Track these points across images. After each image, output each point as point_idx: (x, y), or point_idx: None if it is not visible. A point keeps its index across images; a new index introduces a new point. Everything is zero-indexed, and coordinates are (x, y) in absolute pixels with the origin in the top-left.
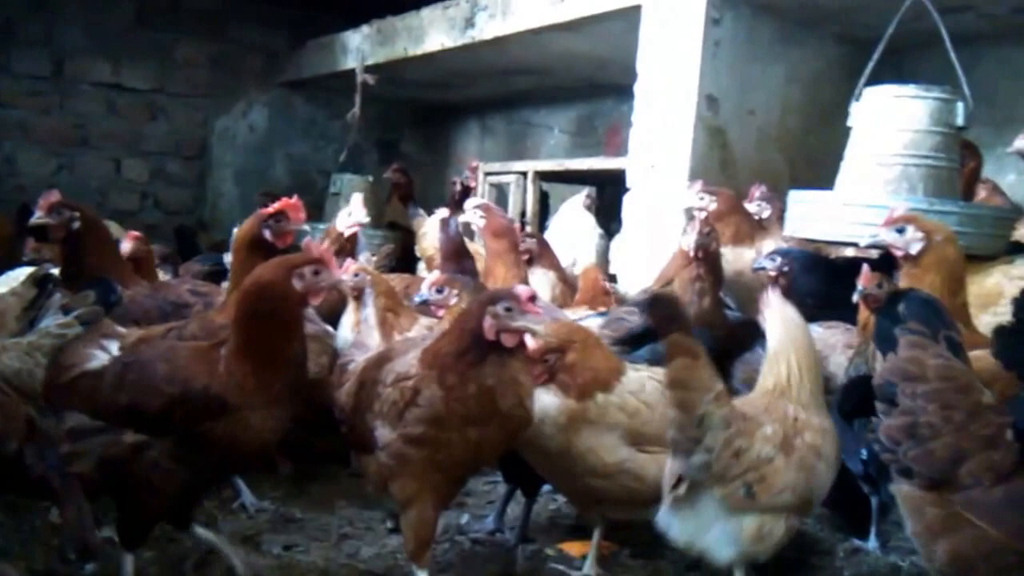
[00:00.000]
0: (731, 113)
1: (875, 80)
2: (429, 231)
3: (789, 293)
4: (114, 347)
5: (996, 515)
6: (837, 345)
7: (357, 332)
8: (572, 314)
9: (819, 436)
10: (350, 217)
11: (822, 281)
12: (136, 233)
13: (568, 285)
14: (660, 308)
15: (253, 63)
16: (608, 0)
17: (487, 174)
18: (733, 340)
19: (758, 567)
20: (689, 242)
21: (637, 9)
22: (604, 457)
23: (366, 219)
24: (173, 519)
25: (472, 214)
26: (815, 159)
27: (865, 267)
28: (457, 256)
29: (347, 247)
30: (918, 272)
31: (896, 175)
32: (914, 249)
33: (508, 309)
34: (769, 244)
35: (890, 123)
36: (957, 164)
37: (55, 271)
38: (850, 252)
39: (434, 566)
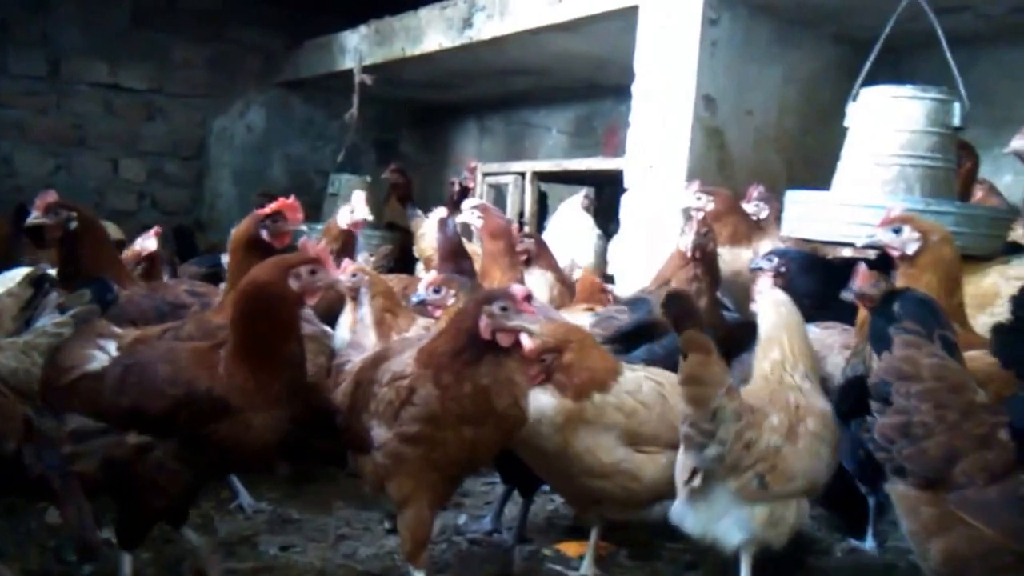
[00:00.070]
0: (729, 113)
1: (872, 80)
2: (427, 232)
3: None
4: (112, 347)
5: (990, 514)
6: (834, 346)
7: (354, 332)
8: (569, 314)
9: (820, 421)
10: (352, 214)
11: (819, 281)
12: (158, 229)
13: (566, 286)
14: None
15: (251, 63)
16: (605, 0)
17: (485, 174)
18: (731, 340)
19: (757, 567)
20: (686, 242)
21: (635, 9)
22: (601, 457)
23: (370, 216)
24: (170, 518)
25: (470, 214)
26: (813, 159)
27: (861, 265)
28: (455, 256)
29: (346, 247)
30: (914, 272)
31: (893, 175)
32: (910, 249)
33: (504, 309)
34: (767, 244)
35: (887, 123)
36: (954, 165)
37: (52, 271)
38: (847, 252)
39: (431, 566)
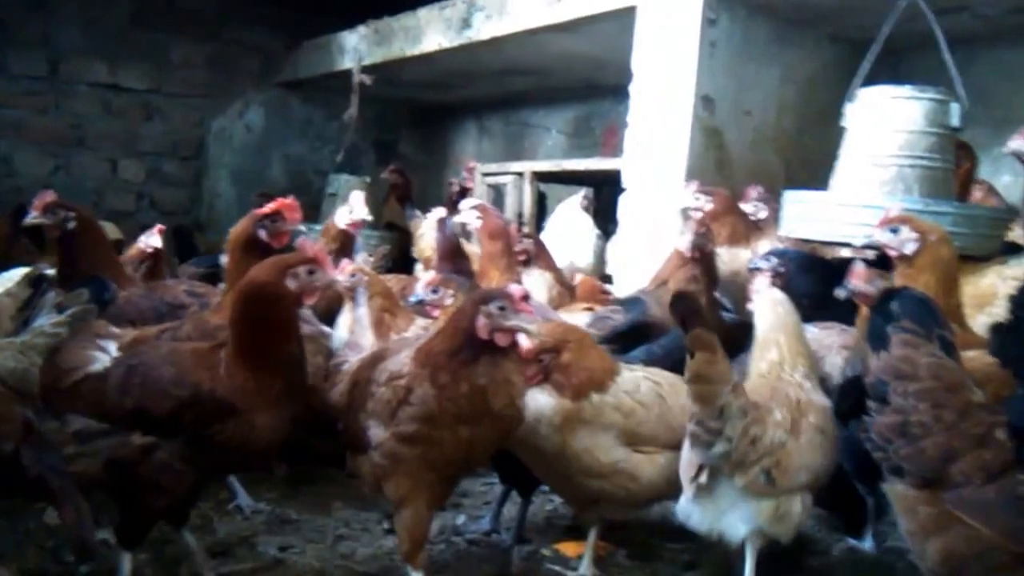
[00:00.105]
0: (727, 114)
1: (871, 81)
2: (426, 232)
3: (785, 293)
4: (112, 348)
5: (988, 514)
6: (833, 346)
7: (351, 333)
8: (567, 314)
9: (821, 415)
10: (351, 215)
11: (818, 282)
12: (162, 227)
13: (565, 286)
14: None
15: (249, 63)
16: (603, 1)
17: (484, 175)
18: (730, 341)
19: (756, 567)
20: (685, 242)
21: (633, 10)
22: (599, 457)
23: (368, 217)
24: (172, 518)
25: (468, 215)
26: (811, 159)
27: (858, 263)
28: (452, 256)
29: (344, 247)
30: (912, 272)
31: (891, 176)
32: (908, 249)
33: (502, 308)
34: (765, 244)
35: (885, 124)
36: (952, 165)
37: (50, 271)
38: (846, 252)
39: (430, 567)
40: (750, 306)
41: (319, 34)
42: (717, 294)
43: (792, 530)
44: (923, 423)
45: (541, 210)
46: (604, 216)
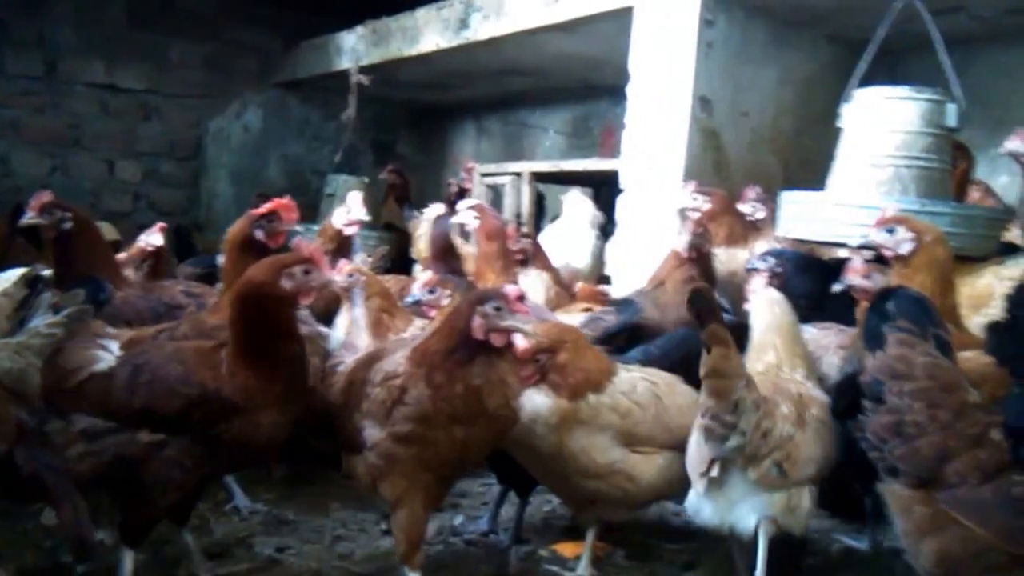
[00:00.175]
0: (725, 115)
1: (869, 81)
2: (425, 232)
3: (781, 293)
4: (114, 347)
5: (983, 514)
6: (830, 346)
7: (347, 333)
8: (565, 315)
9: (822, 409)
10: (349, 215)
11: (815, 282)
12: (163, 225)
13: (562, 287)
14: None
15: (247, 64)
16: (601, 1)
17: (483, 175)
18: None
19: (753, 567)
20: (682, 243)
21: (630, 10)
22: (596, 458)
23: (366, 217)
24: (175, 516)
25: (466, 215)
26: (809, 160)
27: (855, 258)
28: (445, 255)
29: (342, 247)
30: (908, 272)
31: (888, 176)
32: (904, 250)
33: (497, 309)
34: (763, 245)
35: (882, 124)
36: (948, 166)
37: (47, 272)
38: (843, 253)
39: (428, 567)
40: (747, 306)
41: (317, 34)
42: (715, 294)
43: (803, 522)
44: (918, 423)
45: (539, 210)
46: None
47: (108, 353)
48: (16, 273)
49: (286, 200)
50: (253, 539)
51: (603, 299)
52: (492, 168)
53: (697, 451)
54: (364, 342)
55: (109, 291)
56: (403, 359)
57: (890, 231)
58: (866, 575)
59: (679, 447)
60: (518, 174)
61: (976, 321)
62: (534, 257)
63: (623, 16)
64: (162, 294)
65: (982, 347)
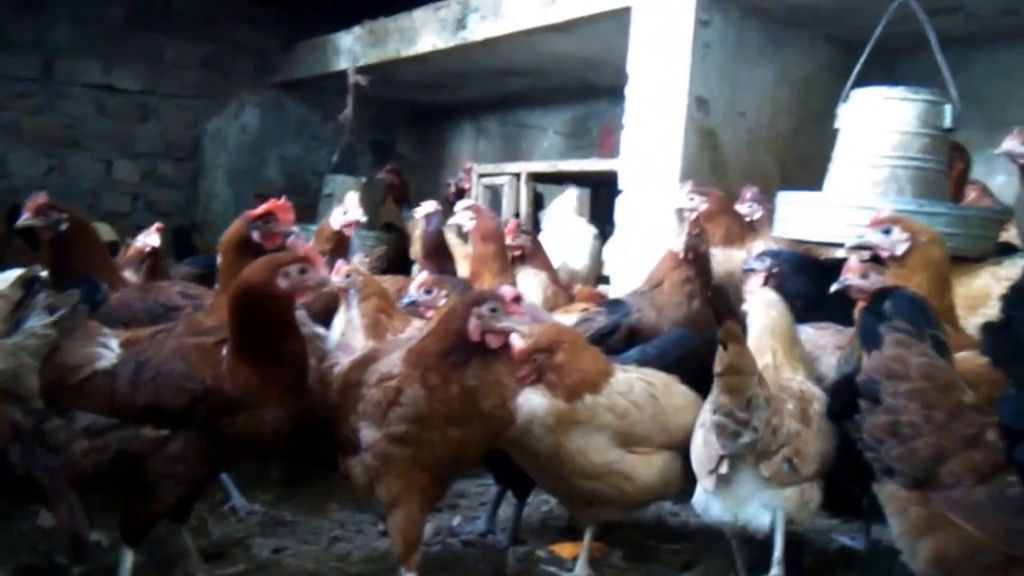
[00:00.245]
0: (722, 115)
1: (866, 81)
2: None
3: (779, 294)
4: (115, 344)
5: (978, 515)
6: (828, 346)
7: (343, 334)
8: (563, 315)
9: (823, 405)
10: (345, 215)
11: (812, 282)
12: (160, 225)
13: (560, 286)
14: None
15: (245, 64)
16: (598, 2)
17: (481, 175)
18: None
19: (752, 567)
20: (679, 244)
21: (627, 11)
22: (593, 458)
23: (363, 218)
24: (176, 513)
25: (462, 215)
26: (806, 160)
27: (852, 258)
28: (436, 254)
29: (339, 248)
30: (904, 273)
31: (884, 176)
32: (899, 250)
33: (493, 310)
34: (760, 245)
35: (878, 125)
36: (945, 166)
37: (44, 273)
38: (840, 253)
39: (425, 568)
40: (744, 307)
41: (314, 35)
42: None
43: (813, 516)
44: (914, 423)
45: (538, 211)
46: (601, 217)
47: (109, 351)
48: (13, 274)
49: (282, 201)
50: (250, 540)
51: (602, 301)
52: (490, 168)
53: (705, 449)
54: (360, 343)
55: (104, 292)
56: (398, 360)
57: (885, 231)
58: (863, 575)
59: (676, 447)
60: (516, 174)
61: (973, 322)
62: (532, 255)
63: (621, 16)
64: (159, 295)
65: (978, 348)
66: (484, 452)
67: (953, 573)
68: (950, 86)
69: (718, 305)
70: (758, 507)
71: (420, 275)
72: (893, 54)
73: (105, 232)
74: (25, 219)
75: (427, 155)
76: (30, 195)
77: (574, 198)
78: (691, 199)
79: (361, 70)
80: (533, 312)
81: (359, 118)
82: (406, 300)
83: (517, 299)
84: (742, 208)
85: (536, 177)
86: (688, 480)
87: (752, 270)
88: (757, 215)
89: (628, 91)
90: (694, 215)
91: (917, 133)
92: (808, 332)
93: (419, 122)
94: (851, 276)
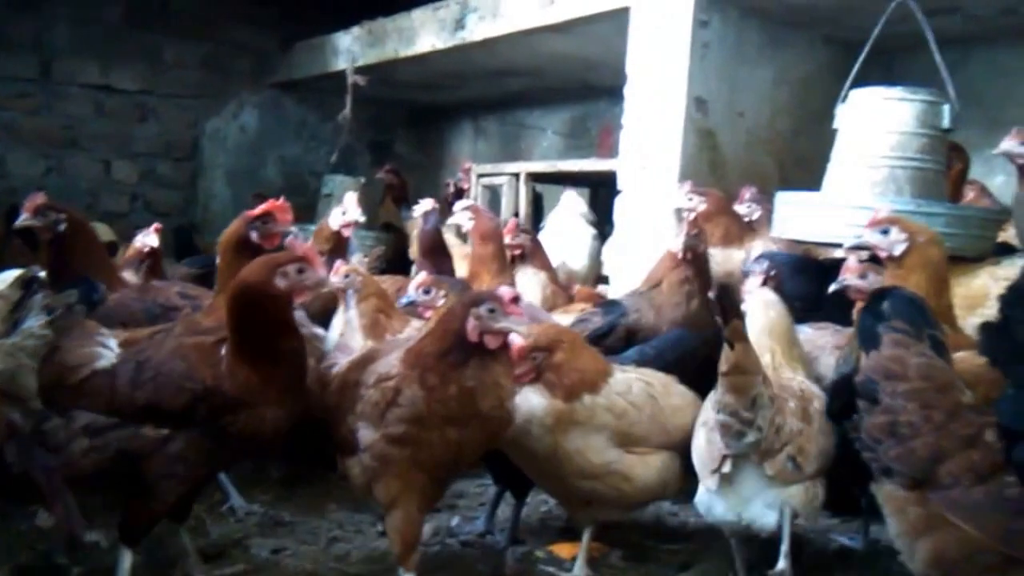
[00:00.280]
0: (721, 115)
1: (864, 81)
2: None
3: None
4: (114, 344)
5: (976, 516)
6: (827, 346)
7: (341, 335)
8: (563, 315)
9: (823, 403)
10: (344, 216)
11: (811, 283)
12: (159, 225)
13: (559, 286)
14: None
15: (243, 64)
16: (597, 2)
17: (480, 175)
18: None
19: (750, 568)
20: (677, 244)
21: (626, 11)
22: (591, 458)
23: (361, 218)
24: (176, 512)
25: (461, 216)
26: (805, 160)
27: (851, 258)
28: (433, 253)
29: (338, 248)
30: (902, 273)
31: (883, 177)
32: (897, 250)
33: (491, 311)
34: (759, 245)
35: (876, 125)
36: (943, 166)
37: (42, 273)
38: (838, 253)
39: (424, 568)
40: (743, 308)
41: (313, 35)
42: (711, 295)
43: (817, 513)
44: (912, 423)
45: (537, 211)
46: (600, 217)
47: (108, 350)
48: (11, 275)
49: (281, 201)
50: (249, 540)
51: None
52: (489, 168)
53: (708, 448)
54: (358, 343)
55: (102, 292)
56: (396, 360)
57: (884, 232)
58: (861, 574)
59: (675, 447)
60: (516, 175)
61: (972, 322)
62: (532, 254)
63: (620, 17)
64: (157, 295)
65: (976, 348)
66: (482, 452)
67: (951, 573)
68: (948, 86)
69: (724, 304)
70: (762, 506)
71: (419, 275)
72: (892, 54)
73: (104, 232)
74: (23, 219)
75: (426, 155)
76: (28, 195)
77: (582, 200)
78: (690, 199)
79: (360, 70)
80: (532, 312)
81: (358, 118)
82: (405, 300)
83: (515, 300)
84: (741, 208)
85: (535, 177)
86: (687, 480)
87: (750, 272)
88: (756, 215)
89: (627, 91)
90: (693, 215)
91: (916, 133)
92: (807, 332)
93: (418, 122)
94: (849, 276)
